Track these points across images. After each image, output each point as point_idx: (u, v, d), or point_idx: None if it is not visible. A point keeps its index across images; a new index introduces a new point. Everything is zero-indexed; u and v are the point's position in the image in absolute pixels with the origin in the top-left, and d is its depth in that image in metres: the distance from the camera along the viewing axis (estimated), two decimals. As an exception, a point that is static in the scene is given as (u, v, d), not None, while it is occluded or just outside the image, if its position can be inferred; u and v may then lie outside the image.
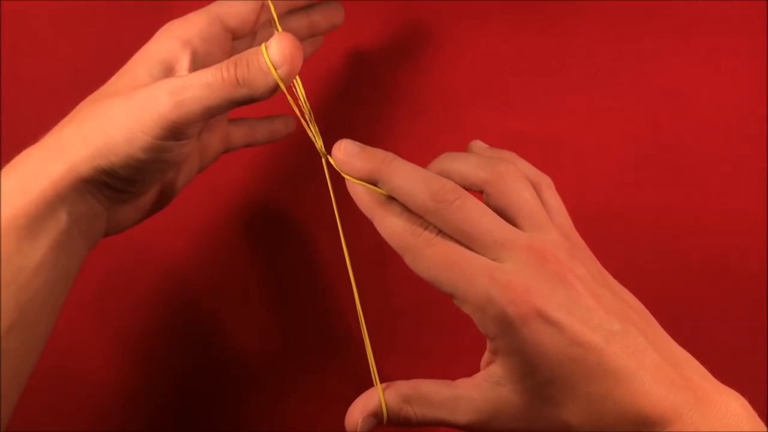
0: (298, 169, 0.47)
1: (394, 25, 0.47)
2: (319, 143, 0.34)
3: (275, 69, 0.31)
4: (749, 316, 0.44)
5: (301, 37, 0.40)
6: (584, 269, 0.30)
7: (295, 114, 0.34)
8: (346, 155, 0.32)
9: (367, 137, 0.46)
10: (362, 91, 0.47)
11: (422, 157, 0.46)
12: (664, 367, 0.29)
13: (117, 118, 0.32)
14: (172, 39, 0.35)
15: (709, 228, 0.45)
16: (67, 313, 0.35)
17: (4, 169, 0.33)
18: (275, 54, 0.32)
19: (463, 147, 0.46)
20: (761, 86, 0.45)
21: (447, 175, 0.33)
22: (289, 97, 0.33)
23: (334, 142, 0.33)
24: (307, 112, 0.34)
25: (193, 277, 0.46)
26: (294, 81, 0.34)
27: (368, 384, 0.33)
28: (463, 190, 0.31)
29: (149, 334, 0.46)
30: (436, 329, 0.45)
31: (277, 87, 0.32)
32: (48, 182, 0.32)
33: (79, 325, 0.46)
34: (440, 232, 0.30)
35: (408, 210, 0.31)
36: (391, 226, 0.31)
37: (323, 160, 0.34)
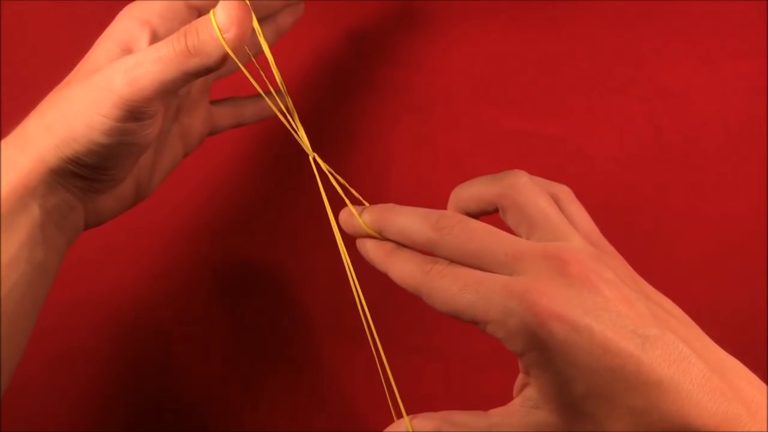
0: (290, 162, 0.47)
1: (394, 25, 0.47)
2: (300, 131, 0.34)
3: (223, 34, 0.31)
4: (749, 316, 0.44)
5: (278, 8, 0.39)
6: (612, 273, 0.28)
7: (275, 104, 0.34)
8: (350, 215, 0.32)
9: (366, 137, 0.46)
10: (362, 91, 0.47)
11: (422, 157, 0.46)
12: (711, 377, 0.26)
13: (75, 103, 0.32)
14: (130, 20, 0.34)
15: (709, 228, 0.45)
16: (47, 312, 0.35)
17: None
18: (222, 18, 0.31)
19: (462, 147, 0.46)
20: (761, 86, 0.45)
21: (462, 203, 0.33)
22: (241, 66, 0.33)
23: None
24: (290, 105, 0.34)
25: (183, 275, 0.46)
26: (272, 68, 0.33)
27: (375, 389, 0.33)
28: (464, 216, 0.30)
29: (140, 327, 0.46)
30: (438, 327, 0.45)
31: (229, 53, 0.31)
32: (17, 176, 0.32)
33: (67, 310, 0.46)
34: (451, 263, 0.29)
35: (416, 253, 0.31)
36: (401, 270, 0.30)
37: (296, 134, 0.34)
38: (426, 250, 0.30)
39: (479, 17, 0.47)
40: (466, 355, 0.45)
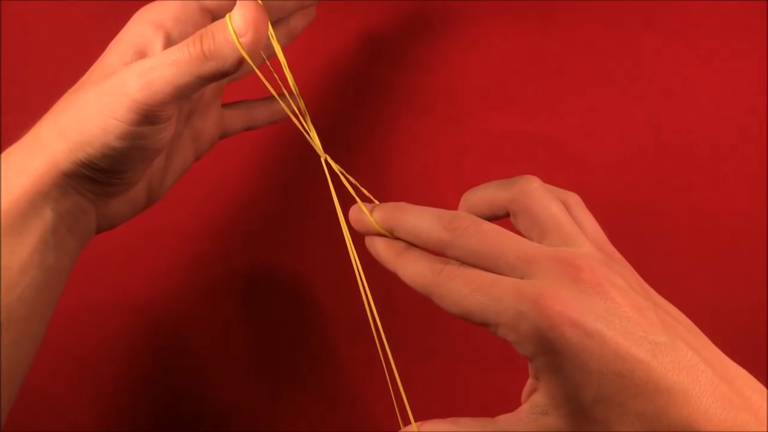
0: (298, 165, 0.47)
1: (394, 25, 0.47)
2: (312, 132, 0.34)
3: (239, 38, 0.30)
4: (749, 316, 0.44)
5: (290, 11, 0.39)
6: (622, 280, 0.29)
7: (288, 106, 0.34)
8: (360, 213, 0.32)
9: (367, 137, 0.46)
10: (362, 91, 0.47)
11: (422, 157, 0.46)
12: (720, 385, 0.26)
13: (89, 106, 0.32)
14: (144, 23, 0.34)
15: (709, 228, 0.45)
16: (58, 315, 0.35)
17: None
18: (238, 21, 0.30)
19: (463, 147, 0.46)
20: (761, 86, 0.45)
21: (474, 207, 0.32)
22: (257, 71, 0.32)
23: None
24: (302, 107, 0.34)
25: (190, 281, 0.46)
26: (285, 70, 0.33)
27: (381, 389, 0.32)
28: (477, 218, 0.30)
29: (145, 337, 0.46)
30: (436, 328, 0.45)
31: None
32: (29, 180, 0.32)
33: (71, 328, 0.46)
34: (462, 264, 0.29)
35: (427, 253, 0.31)
36: (412, 271, 0.30)
37: (305, 132, 0.34)
38: (437, 251, 0.30)
39: (479, 17, 0.47)
40: (472, 356, 0.45)
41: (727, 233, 0.44)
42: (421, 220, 0.31)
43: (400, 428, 0.31)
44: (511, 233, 0.29)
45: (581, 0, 0.46)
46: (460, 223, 0.30)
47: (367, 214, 0.32)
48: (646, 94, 0.46)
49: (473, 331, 0.44)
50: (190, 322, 0.46)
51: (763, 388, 0.28)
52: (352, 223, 0.33)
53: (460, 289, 0.28)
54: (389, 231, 0.32)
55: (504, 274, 0.29)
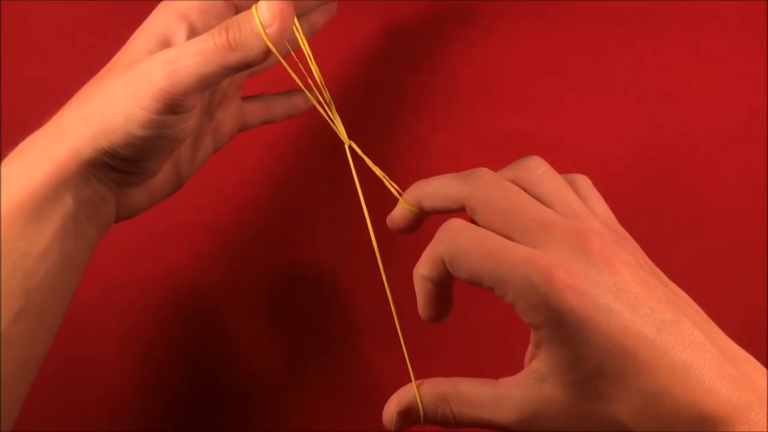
0: (316, 160, 0.47)
1: (395, 25, 0.47)
2: (337, 121, 0.35)
3: (265, 29, 0.31)
4: (749, 317, 0.44)
5: (311, 7, 0.39)
6: (632, 257, 0.29)
7: (312, 95, 0.35)
8: (395, 211, 0.34)
9: (367, 137, 0.46)
10: (362, 91, 0.47)
11: (422, 157, 0.46)
12: (724, 365, 0.26)
13: (114, 95, 0.32)
14: (169, 13, 0.34)
15: (709, 228, 0.45)
16: (71, 316, 0.35)
17: (9, 155, 0.33)
18: (264, 12, 0.31)
19: (462, 147, 0.46)
20: (761, 86, 0.45)
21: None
22: (282, 60, 0.32)
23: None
24: (327, 96, 0.35)
25: (202, 275, 0.46)
26: (309, 61, 0.34)
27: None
28: (497, 174, 0.31)
29: (156, 334, 0.46)
30: (436, 328, 0.45)
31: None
32: (51, 166, 0.32)
33: (83, 329, 0.46)
34: (473, 225, 0.29)
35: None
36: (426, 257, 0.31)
37: (330, 121, 0.35)
38: (458, 209, 0.31)
39: (479, 17, 0.47)
40: (472, 356, 0.45)
41: (728, 233, 0.44)
42: (442, 181, 0.32)
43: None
44: (529, 196, 0.30)
45: (581, 0, 0.46)
46: (480, 176, 0.30)
47: (397, 195, 0.34)
48: (646, 94, 0.46)
49: (473, 331, 0.44)
50: (207, 314, 0.46)
51: None
52: (389, 223, 0.34)
53: (470, 250, 0.28)
54: (417, 204, 0.33)
55: (518, 235, 0.29)
